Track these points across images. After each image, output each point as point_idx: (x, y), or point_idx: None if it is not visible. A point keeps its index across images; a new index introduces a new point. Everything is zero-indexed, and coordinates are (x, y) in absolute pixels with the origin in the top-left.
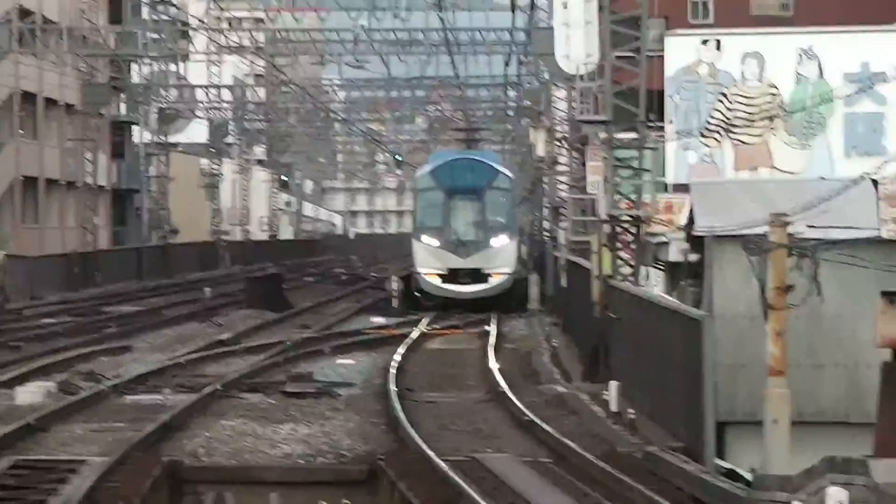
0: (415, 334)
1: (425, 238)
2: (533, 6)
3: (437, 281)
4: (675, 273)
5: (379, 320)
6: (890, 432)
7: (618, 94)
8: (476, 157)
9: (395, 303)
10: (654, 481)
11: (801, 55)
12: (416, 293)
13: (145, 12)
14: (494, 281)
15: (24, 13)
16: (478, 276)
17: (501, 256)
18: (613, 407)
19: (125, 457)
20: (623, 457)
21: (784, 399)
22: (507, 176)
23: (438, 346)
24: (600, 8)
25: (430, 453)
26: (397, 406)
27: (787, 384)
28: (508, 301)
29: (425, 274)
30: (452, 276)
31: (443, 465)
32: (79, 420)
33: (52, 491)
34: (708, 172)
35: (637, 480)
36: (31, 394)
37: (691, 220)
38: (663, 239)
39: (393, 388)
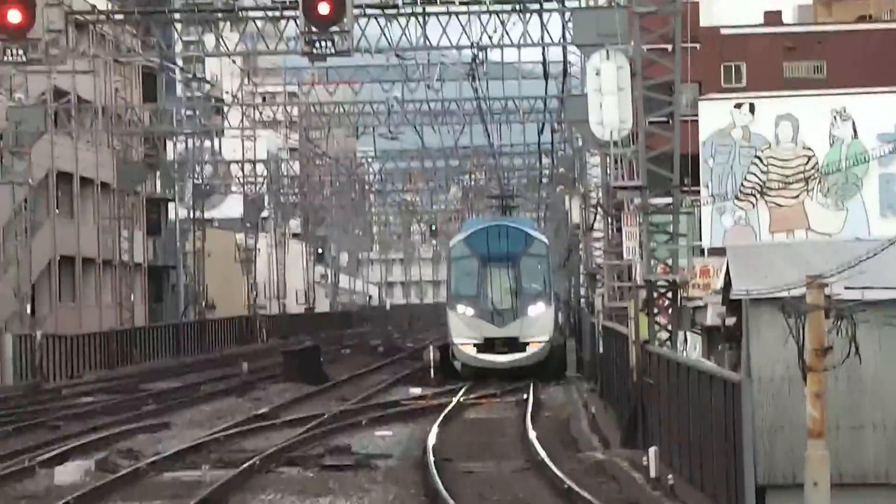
0: (452, 404)
1: (460, 307)
2: (565, 74)
3: (473, 351)
4: (712, 337)
5: (416, 391)
6: None
7: (652, 159)
8: (510, 224)
9: (432, 373)
10: None
11: (834, 117)
12: (453, 363)
13: (179, 89)
14: (532, 350)
15: (59, 94)
16: (514, 344)
17: (538, 324)
18: (653, 473)
19: None
20: None
21: (824, 461)
22: (542, 242)
23: (476, 415)
24: (633, 74)
25: None
26: (436, 477)
27: (826, 446)
28: (546, 369)
29: (461, 344)
30: (489, 345)
31: None
32: (117, 499)
33: None
34: (744, 236)
35: None
36: (70, 473)
37: (728, 284)
38: (700, 303)
39: (431, 458)
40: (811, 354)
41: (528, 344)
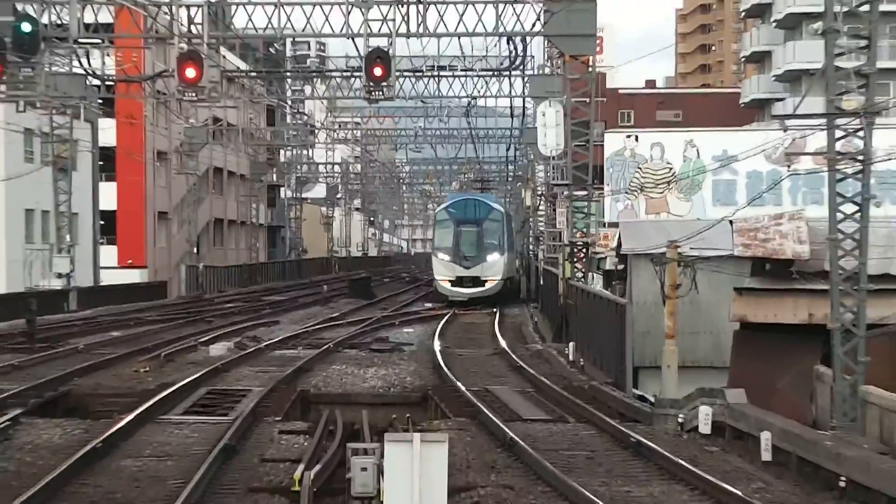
0: (450, 314)
1: (440, 255)
2: (524, 115)
3: (449, 285)
4: (609, 276)
5: (429, 305)
6: (737, 373)
7: (575, 167)
8: (478, 198)
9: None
10: (596, 403)
11: (685, 144)
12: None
13: (288, 118)
14: (489, 285)
15: (216, 120)
16: (477, 281)
17: (494, 268)
18: (571, 358)
19: (274, 388)
20: (576, 388)
21: (674, 353)
22: (499, 210)
23: (464, 320)
24: (565, 116)
25: (460, 385)
26: (439, 357)
27: (675, 343)
28: (501, 298)
29: (441, 280)
30: (459, 281)
31: (467, 392)
32: (246, 365)
33: (231, 407)
34: (630, 215)
35: (585, 402)
36: (218, 349)
37: (619, 245)
38: (602, 255)
39: (436, 346)
40: (668, 288)
41: (486, 281)
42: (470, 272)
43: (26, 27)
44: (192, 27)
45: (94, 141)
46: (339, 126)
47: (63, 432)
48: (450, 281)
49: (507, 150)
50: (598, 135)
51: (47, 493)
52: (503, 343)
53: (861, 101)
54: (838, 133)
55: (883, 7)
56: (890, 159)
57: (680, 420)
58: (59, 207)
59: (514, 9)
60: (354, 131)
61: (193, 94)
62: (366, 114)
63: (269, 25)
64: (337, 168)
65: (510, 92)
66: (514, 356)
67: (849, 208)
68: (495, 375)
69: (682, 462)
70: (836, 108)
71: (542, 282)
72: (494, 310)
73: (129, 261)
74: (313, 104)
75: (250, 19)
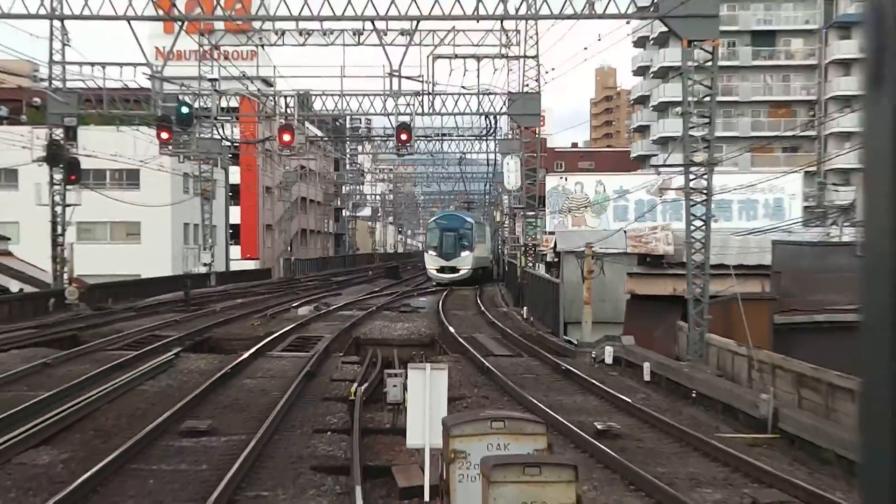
0: (448, 290)
1: (430, 251)
2: (496, 163)
3: (435, 273)
4: (549, 266)
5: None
6: (628, 326)
7: (528, 197)
8: (457, 213)
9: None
10: (540, 345)
11: (596, 183)
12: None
13: (347, 165)
14: (462, 273)
15: (302, 167)
16: (454, 270)
17: (465, 261)
18: (525, 316)
19: (338, 335)
20: (528, 335)
21: (589, 313)
22: (471, 222)
23: (459, 293)
24: (521, 164)
25: (454, 333)
26: (442, 316)
27: (591, 309)
28: (474, 282)
29: (430, 269)
30: (442, 270)
31: (459, 337)
32: (321, 321)
33: (311, 347)
34: (561, 227)
35: (533, 343)
36: (303, 311)
37: (555, 245)
38: (544, 252)
39: (440, 309)
40: (585, 273)
41: (460, 270)
42: (449, 263)
43: (185, 110)
44: (287, 109)
45: (226, 180)
46: (380, 171)
47: (206, 362)
48: (436, 269)
49: (485, 185)
50: (541, 177)
51: (197, 400)
52: (482, 307)
53: (705, 157)
54: (691, 176)
55: (718, 99)
56: (723, 193)
57: (593, 355)
58: (204, 222)
59: (489, 98)
60: (389, 174)
61: (288, 151)
62: (396, 163)
63: (336, 108)
64: (377, 197)
65: (487, 149)
66: (489, 315)
67: (697, 223)
68: (477, 327)
69: (594, 381)
70: (689, 160)
71: (506, 269)
72: (476, 288)
73: (248, 255)
74: (363, 157)
75: (324, 104)
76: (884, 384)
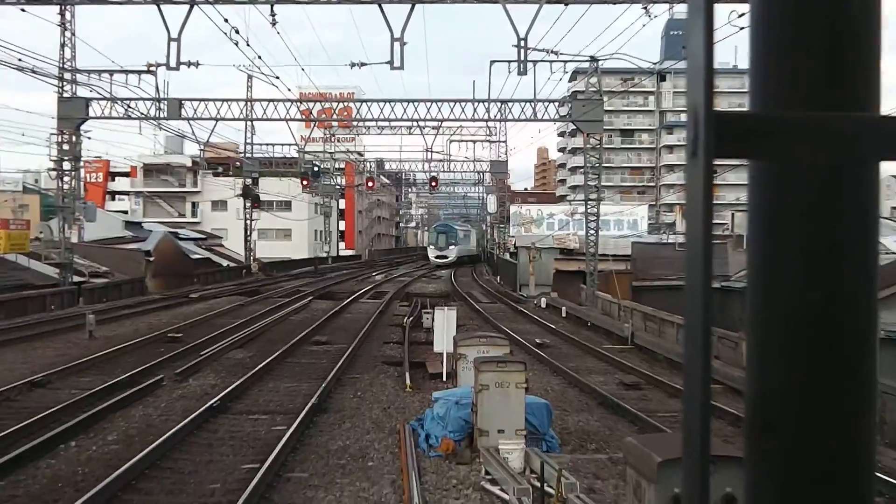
0: (456, 268)
1: (430, 246)
2: (484, 198)
3: (433, 258)
4: (511, 254)
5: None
6: (555, 287)
7: (501, 216)
8: (449, 223)
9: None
10: (506, 297)
11: (539, 210)
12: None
13: (403, 199)
14: (449, 259)
15: (378, 200)
16: (444, 257)
17: (451, 252)
18: (498, 282)
19: (397, 291)
20: (500, 291)
21: (533, 280)
22: (457, 229)
23: (462, 270)
24: (498, 199)
25: (461, 291)
26: (453, 282)
27: (533, 277)
28: (458, 264)
29: (431, 257)
30: (438, 257)
31: (463, 293)
32: (388, 283)
33: (382, 296)
34: (520, 233)
35: (503, 296)
36: (378, 277)
37: (515, 244)
38: (510, 247)
39: (452, 278)
40: (531, 258)
41: (448, 257)
42: (441, 253)
43: (315, 169)
44: (370, 168)
45: (336, 206)
46: (420, 201)
47: (326, 304)
48: (434, 256)
49: (477, 210)
50: (507, 206)
51: (322, 323)
52: (475, 277)
53: (595, 196)
54: (590, 206)
55: (603, 165)
56: (605, 216)
57: (535, 303)
58: (325, 229)
59: (479, 164)
60: (425, 203)
61: (370, 190)
62: (429, 197)
63: (396, 167)
64: (419, 215)
65: (478, 190)
66: (479, 282)
67: (591, 231)
68: (471, 287)
69: (535, 316)
70: (587, 197)
71: (489, 256)
72: (472, 266)
73: (349, 247)
74: (411, 195)
75: (389, 164)
76: (696, 318)
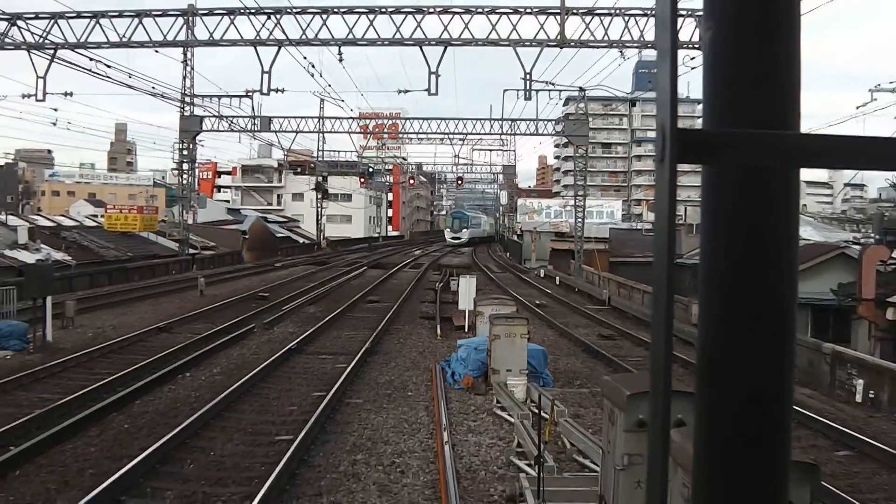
0: (474, 248)
1: (447, 230)
2: (498, 195)
3: (449, 240)
4: (519, 236)
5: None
6: (552, 262)
7: (510, 207)
8: (463, 211)
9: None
10: (514, 269)
11: (540, 203)
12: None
13: (435, 193)
14: (462, 240)
15: (418, 194)
16: (458, 239)
17: (464, 234)
18: (508, 257)
19: (431, 263)
20: (509, 264)
21: (534, 255)
22: (469, 215)
23: (480, 248)
24: (508, 195)
25: (479, 263)
26: (474, 256)
27: (535, 254)
28: (470, 245)
29: (447, 237)
30: (453, 238)
31: (481, 265)
32: (424, 257)
33: (420, 267)
34: (525, 220)
35: (510, 268)
36: (416, 253)
37: (521, 229)
38: (518, 231)
39: (473, 254)
40: (532, 239)
41: (461, 238)
42: (456, 235)
43: (370, 170)
44: (412, 169)
45: (385, 199)
46: (449, 195)
47: (377, 273)
48: (450, 238)
49: (492, 203)
50: (515, 200)
51: (374, 287)
52: (493, 256)
53: (583, 193)
54: (578, 200)
55: (587, 169)
56: (590, 208)
57: (536, 273)
58: (377, 215)
59: (495, 167)
60: (453, 196)
61: (411, 186)
62: (456, 193)
63: (432, 169)
64: (448, 205)
65: (494, 188)
66: (493, 256)
67: (579, 219)
68: (487, 261)
69: (535, 284)
70: (576, 194)
71: (502, 238)
72: (488, 245)
73: (395, 230)
74: (443, 190)
75: (426, 167)
76: (662, 286)
